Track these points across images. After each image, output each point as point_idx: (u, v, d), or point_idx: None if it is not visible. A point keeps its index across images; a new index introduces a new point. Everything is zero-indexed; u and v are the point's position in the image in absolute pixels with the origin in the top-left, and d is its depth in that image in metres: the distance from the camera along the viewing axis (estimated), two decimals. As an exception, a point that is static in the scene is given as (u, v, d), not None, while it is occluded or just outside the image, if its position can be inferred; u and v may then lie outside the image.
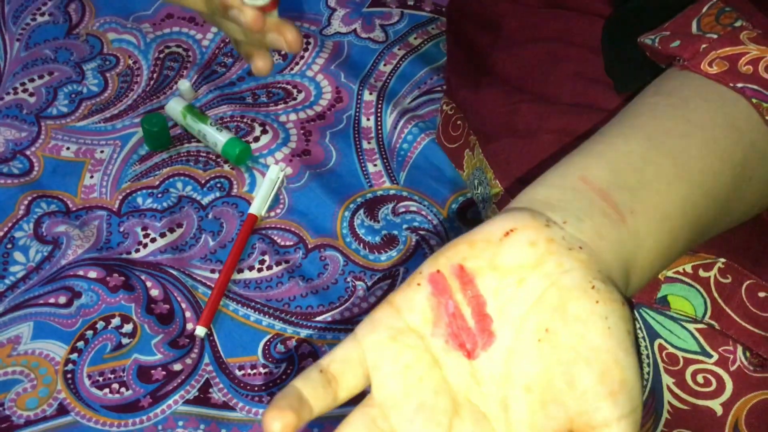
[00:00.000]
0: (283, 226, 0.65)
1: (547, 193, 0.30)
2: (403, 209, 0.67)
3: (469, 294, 0.27)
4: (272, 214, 0.66)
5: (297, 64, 0.75)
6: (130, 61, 0.75)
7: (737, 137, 0.34)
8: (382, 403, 0.28)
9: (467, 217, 0.67)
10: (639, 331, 0.41)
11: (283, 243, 0.65)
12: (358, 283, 0.63)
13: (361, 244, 0.65)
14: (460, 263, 0.28)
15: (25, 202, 0.65)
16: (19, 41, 0.76)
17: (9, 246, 0.63)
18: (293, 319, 0.61)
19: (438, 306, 0.28)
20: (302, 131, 0.71)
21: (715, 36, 0.37)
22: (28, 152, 0.69)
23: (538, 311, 0.27)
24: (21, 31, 0.76)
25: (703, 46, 0.37)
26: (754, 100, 0.35)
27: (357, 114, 0.72)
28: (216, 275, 0.62)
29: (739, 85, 0.35)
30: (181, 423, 0.56)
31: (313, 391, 0.28)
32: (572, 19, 0.54)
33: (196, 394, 0.57)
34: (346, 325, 0.61)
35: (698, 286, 0.39)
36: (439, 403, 0.27)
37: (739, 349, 0.39)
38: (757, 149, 0.35)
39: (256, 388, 0.58)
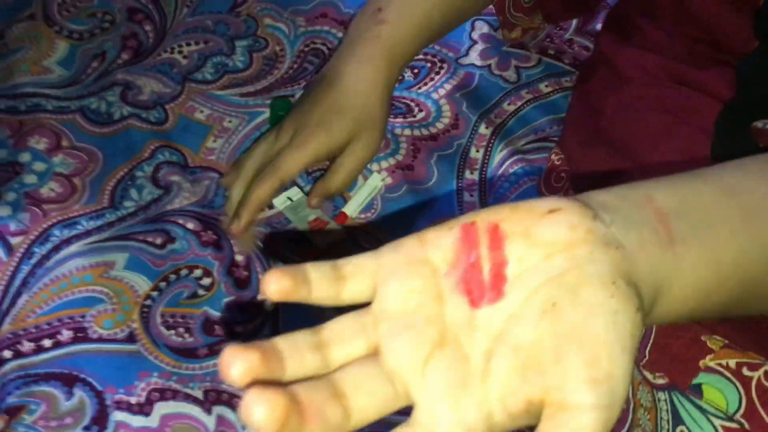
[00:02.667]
0: (369, 232, 0.68)
1: (606, 197, 0.30)
2: (487, 243, 0.68)
3: (493, 252, 0.28)
4: (362, 216, 0.69)
5: (426, 84, 0.78)
6: (277, 48, 0.81)
7: None
8: (377, 314, 0.29)
9: (547, 267, 0.67)
10: (665, 414, 0.40)
11: (366, 246, 0.68)
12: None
13: (437, 265, 0.67)
14: (496, 222, 0.28)
15: (152, 147, 0.72)
16: (188, 7, 0.83)
17: (129, 182, 0.70)
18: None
19: (461, 251, 0.28)
20: (412, 147, 0.74)
21: None
22: (167, 106, 0.76)
23: (553, 286, 0.27)
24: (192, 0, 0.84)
25: None
26: None
27: (468, 143, 0.74)
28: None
29: None
30: (227, 380, 0.60)
31: (320, 277, 0.29)
32: (693, 98, 0.54)
33: (248, 358, 0.61)
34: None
35: (738, 383, 0.39)
36: (428, 331, 0.28)
37: (762, 456, 0.38)
38: None
39: (302, 369, 0.61)
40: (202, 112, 0.76)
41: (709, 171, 0.34)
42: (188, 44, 0.80)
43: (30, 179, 0.69)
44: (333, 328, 0.29)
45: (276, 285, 0.29)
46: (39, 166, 0.70)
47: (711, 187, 0.32)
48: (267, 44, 0.81)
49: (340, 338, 0.29)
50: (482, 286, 0.28)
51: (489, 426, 0.26)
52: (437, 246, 0.29)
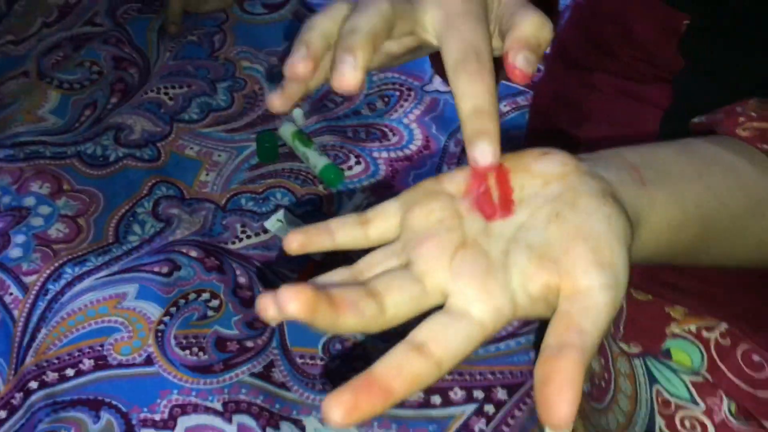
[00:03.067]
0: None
1: (583, 155, 0.35)
2: (466, 251, 0.75)
3: (500, 183, 0.33)
4: (352, 233, 0.76)
5: (396, 111, 0.86)
6: (256, 87, 0.87)
7: (759, 178, 0.40)
8: (404, 241, 0.32)
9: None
10: (642, 377, 0.48)
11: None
12: (414, 305, 0.71)
13: (423, 273, 0.73)
14: (500, 162, 0.33)
15: (149, 184, 0.77)
16: (170, 52, 0.89)
17: (131, 219, 0.75)
18: (353, 324, 0.70)
19: (472, 183, 0.33)
20: (390, 168, 0.81)
21: (754, 114, 0.45)
22: (159, 144, 0.81)
23: (554, 203, 0.32)
24: (173, 46, 0.90)
25: (741, 119, 0.44)
26: None
27: (440, 162, 0.82)
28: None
29: (766, 146, 0.42)
30: (244, 391, 0.65)
31: (342, 224, 0.33)
32: (637, 109, 0.62)
33: (261, 370, 0.66)
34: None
35: (699, 344, 0.46)
36: (450, 237, 0.31)
37: (725, 403, 0.45)
38: None
39: (311, 376, 0.67)
40: (192, 149, 0.82)
41: (664, 141, 0.40)
42: (173, 87, 0.86)
43: (37, 222, 0.74)
44: (365, 260, 0.32)
45: (295, 242, 0.32)
46: (44, 209, 0.75)
47: (668, 148, 0.39)
48: (246, 84, 0.87)
49: (372, 265, 0.32)
50: (494, 205, 0.33)
51: (513, 307, 0.30)
52: (451, 181, 0.34)
